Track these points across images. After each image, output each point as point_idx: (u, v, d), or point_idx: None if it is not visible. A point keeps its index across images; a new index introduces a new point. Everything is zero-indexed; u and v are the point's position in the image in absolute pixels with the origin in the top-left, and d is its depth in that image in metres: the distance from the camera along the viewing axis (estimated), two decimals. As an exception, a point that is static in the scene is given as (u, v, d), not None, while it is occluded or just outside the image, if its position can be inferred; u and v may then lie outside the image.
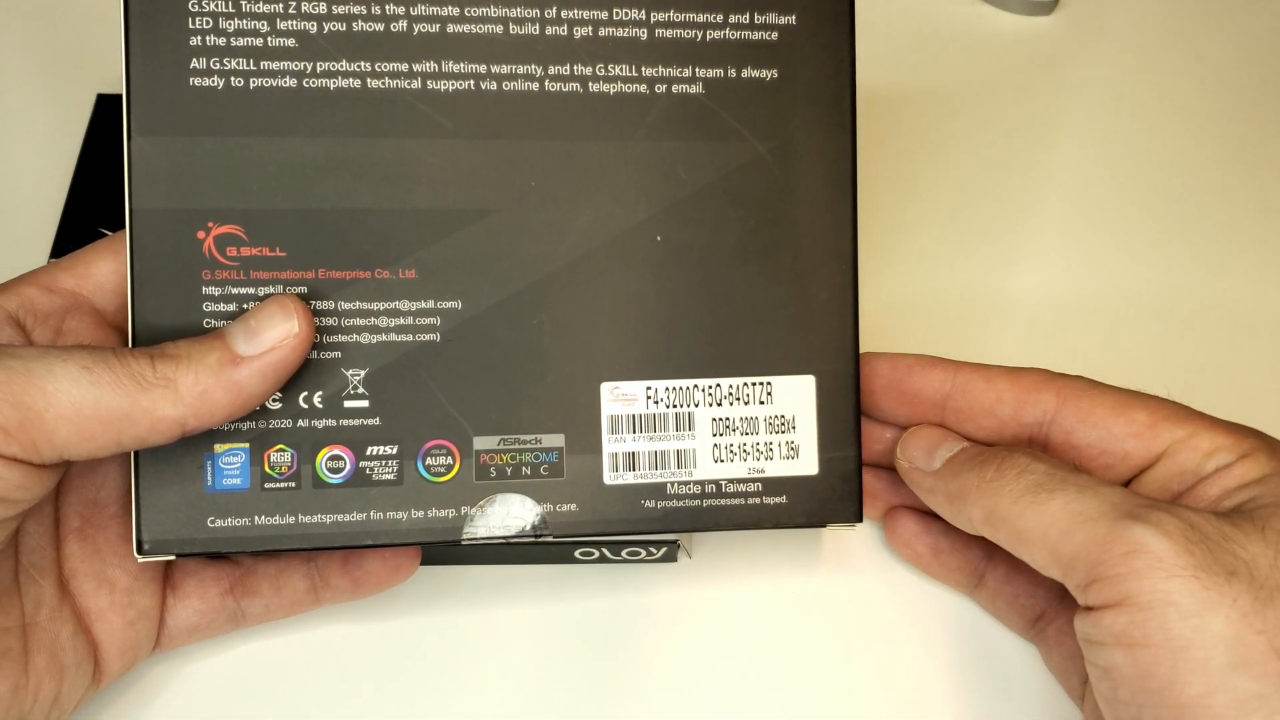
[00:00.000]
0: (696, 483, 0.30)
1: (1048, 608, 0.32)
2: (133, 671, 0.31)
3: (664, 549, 0.33)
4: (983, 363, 0.32)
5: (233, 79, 0.29)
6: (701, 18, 0.30)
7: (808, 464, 0.31)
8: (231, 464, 0.29)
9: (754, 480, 0.31)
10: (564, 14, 0.30)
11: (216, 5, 0.28)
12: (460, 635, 0.33)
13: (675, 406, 0.30)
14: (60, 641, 0.28)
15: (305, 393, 0.29)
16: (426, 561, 0.33)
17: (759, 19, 0.30)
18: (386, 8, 0.29)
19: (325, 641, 0.32)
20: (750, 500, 0.30)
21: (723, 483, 0.30)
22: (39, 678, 0.27)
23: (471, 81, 0.29)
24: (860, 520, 0.31)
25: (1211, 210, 0.43)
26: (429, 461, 0.29)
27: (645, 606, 0.33)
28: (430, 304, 0.29)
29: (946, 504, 0.30)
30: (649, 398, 0.30)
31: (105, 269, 0.29)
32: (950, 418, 0.32)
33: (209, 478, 0.28)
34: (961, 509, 0.29)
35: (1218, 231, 0.42)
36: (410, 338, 0.29)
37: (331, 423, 0.29)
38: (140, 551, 0.28)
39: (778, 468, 0.31)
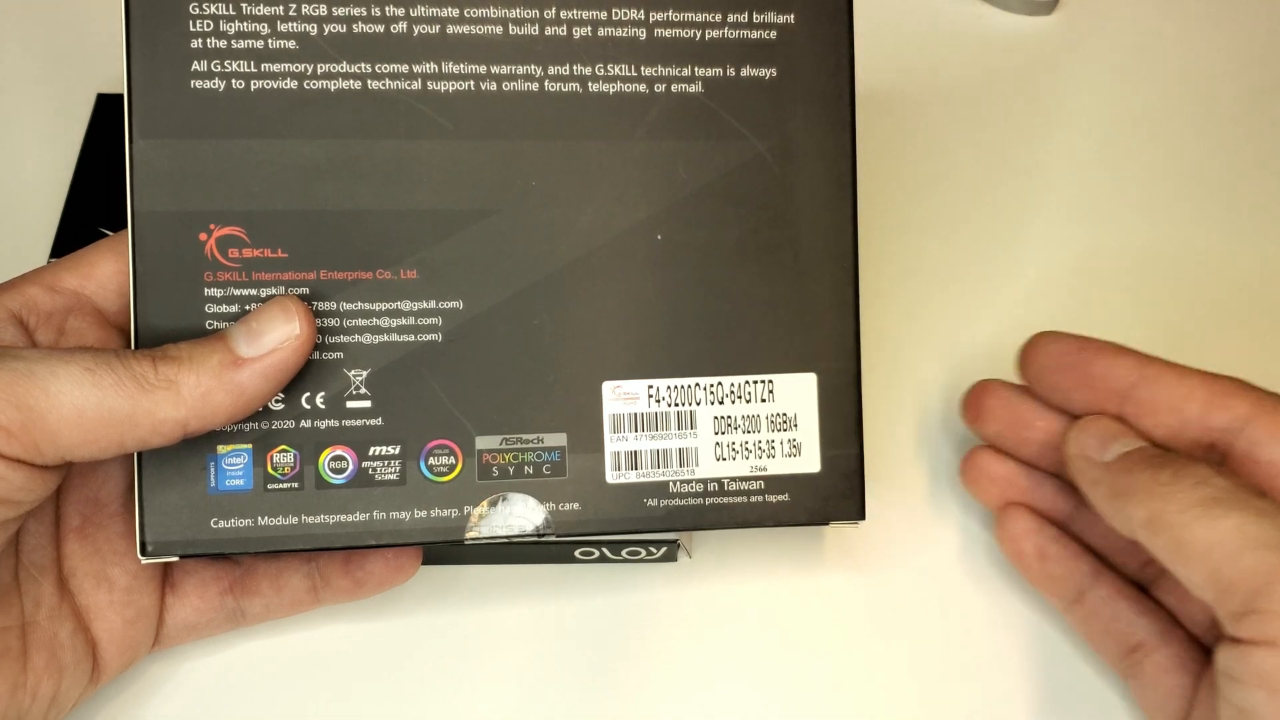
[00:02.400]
0: (699, 481, 0.30)
1: (1147, 639, 0.30)
2: (131, 670, 0.31)
3: (664, 548, 0.33)
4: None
5: (233, 81, 0.29)
6: (700, 17, 0.30)
7: (810, 462, 0.31)
8: (234, 465, 0.29)
9: (756, 478, 0.31)
10: (563, 14, 0.30)
11: (217, 8, 0.29)
12: (460, 635, 0.33)
13: (677, 405, 0.30)
14: (59, 640, 0.28)
15: (307, 393, 0.29)
16: (426, 561, 0.33)
17: (757, 18, 0.30)
18: (386, 9, 0.29)
19: (325, 641, 0.32)
20: (753, 498, 0.30)
21: (725, 481, 0.30)
22: (38, 676, 0.27)
23: (471, 82, 0.29)
24: (863, 518, 0.31)
25: (1211, 211, 0.43)
26: (431, 461, 0.29)
27: (645, 606, 0.33)
28: (432, 304, 0.29)
29: (1109, 499, 0.28)
30: (651, 396, 0.30)
31: (108, 269, 0.30)
32: (1131, 409, 0.30)
33: (212, 479, 0.28)
34: (1124, 507, 0.27)
35: (1217, 232, 0.42)
36: (412, 338, 0.29)
37: (334, 423, 0.29)
38: (144, 553, 0.28)
39: (780, 466, 0.31)
